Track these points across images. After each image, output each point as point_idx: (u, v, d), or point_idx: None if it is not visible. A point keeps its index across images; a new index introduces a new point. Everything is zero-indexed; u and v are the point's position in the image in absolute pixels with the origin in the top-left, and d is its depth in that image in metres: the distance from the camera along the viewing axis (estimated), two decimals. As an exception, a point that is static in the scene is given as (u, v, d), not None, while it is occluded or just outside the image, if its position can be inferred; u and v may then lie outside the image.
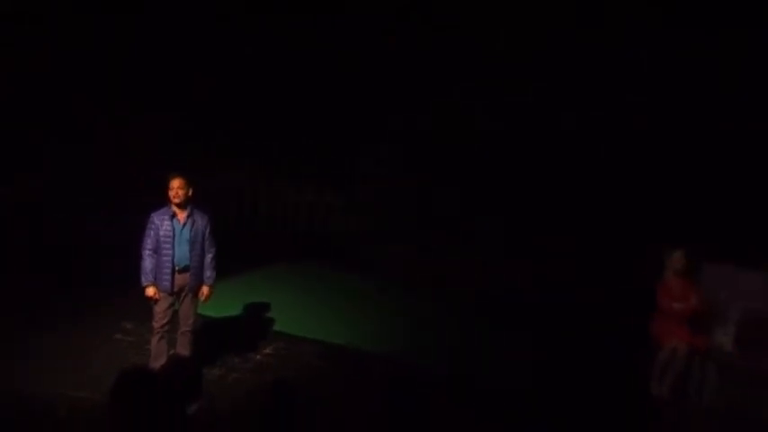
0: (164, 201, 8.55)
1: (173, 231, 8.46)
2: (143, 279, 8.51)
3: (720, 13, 12.97)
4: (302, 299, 12.55)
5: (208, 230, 8.71)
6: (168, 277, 8.49)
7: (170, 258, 8.46)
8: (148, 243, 8.48)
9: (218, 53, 16.32)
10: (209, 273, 8.80)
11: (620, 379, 10.07)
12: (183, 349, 8.82)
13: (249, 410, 7.92)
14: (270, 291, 12.58)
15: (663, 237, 11.12)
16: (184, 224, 8.51)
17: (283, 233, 16.24)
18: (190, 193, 8.51)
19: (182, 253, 8.52)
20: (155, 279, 8.49)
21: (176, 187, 8.41)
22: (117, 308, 10.77)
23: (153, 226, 8.47)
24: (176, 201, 8.43)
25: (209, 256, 8.77)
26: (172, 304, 8.65)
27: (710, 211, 12.71)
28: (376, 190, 15.55)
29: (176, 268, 8.52)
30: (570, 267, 13.54)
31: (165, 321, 8.65)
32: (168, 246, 8.45)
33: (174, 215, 8.48)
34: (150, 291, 8.51)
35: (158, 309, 8.61)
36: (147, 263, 8.49)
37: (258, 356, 9.90)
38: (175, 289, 8.58)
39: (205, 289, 8.80)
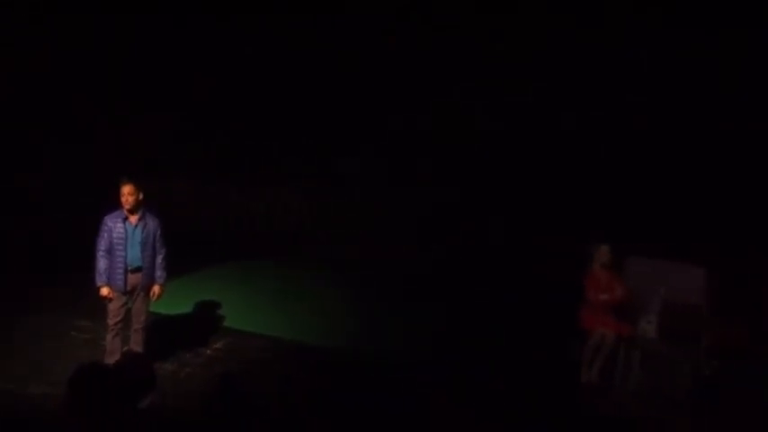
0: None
1: (125, 233, 8.80)
2: (97, 279, 8.86)
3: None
4: (252, 296, 12.82)
5: (159, 233, 9.05)
6: (121, 277, 8.84)
7: (123, 259, 8.81)
8: (102, 245, 8.82)
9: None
10: (159, 272, 9.14)
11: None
12: (137, 345, 9.15)
13: (200, 403, 8.12)
14: (221, 289, 12.90)
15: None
16: (136, 226, 8.85)
17: (239, 233, 16.52)
18: (140, 198, 8.82)
19: (134, 254, 8.86)
20: (108, 279, 8.84)
21: (126, 193, 8.75)
22: (73, 306, 11.12)
23: (106, 228, 8.82)
24: (127, 207, 8.77)
25: (159, 257, 9.10)
26: (125, 303, 8.96)
27: (632, 210, 13.02)
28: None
29: (129, 268, 8.86)
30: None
31: (118, 319, 8.98)
32: (121, 247, 8.79)
33: (126, 218, 8.81)
34: (104, 291, 8.86)
35: (112, 307, 8.94)
36: (101, 264, 8.84)
37: (209, 351, 10.20)
38: (128, 288, 8.91)
39: (156, 288, 9.15)
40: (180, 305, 11.60)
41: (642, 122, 13.97)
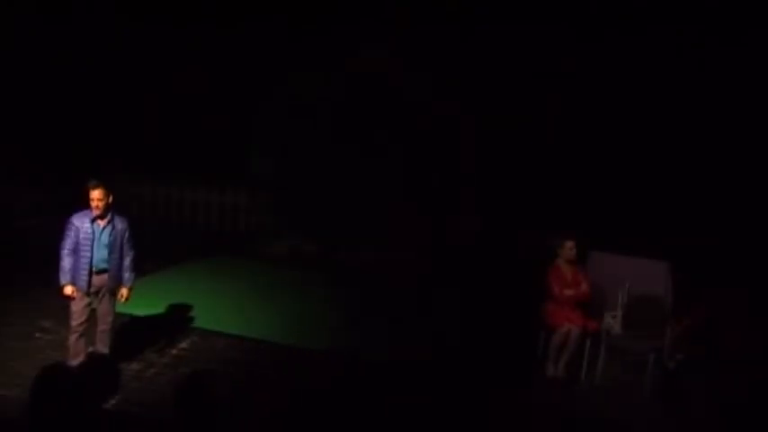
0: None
1: (92, 235, 8.62)
2: (61, 278, 8.69)
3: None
4: (215, 294, 12.73)
5: (127, 234, 8.86)
6: (85, 278, 8.67)
7: (88, 260, 8.64)
8: (67, 244, 8.65)
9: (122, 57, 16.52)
10: (127, 275, 8.97)
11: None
12: (102, 346, 8.99)
13: (166, 403, 8.12)
14: (184, 288, 12.85)
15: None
16: (104, 229, 8.66)
17: (195, 232, 16.54)
18: (110, 200, 8.63)
19: (100, 256, 8.70)
20: (72, 279, 8.69)
21: (96, 198, 8.52)
22: (36, 306, 10.99)
23: (72, 227, 8.62)
24: (97, 212, 8.57)
25: (127, 259, 8.92)
26: (89, 303, 8.81)
27: (596, 202, 13.23)
28: (277, 189, 15.70)
29: (94, 270, 8.70)
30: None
31: (82, 320, 8.82)
32: (87, 248, 8.62)
33: (94, 219, 8.62)
34: (67, 290, 8.71)
35: (75, 308, 8.78)
36: (66, 263, 8.67)
37: (175, 351, 10.15)
38: (92, 289, 8.76)
39: (124, 291, 8.99)
40: (144, 305, 11.44)
41: (611, 117, 14.11)
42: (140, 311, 11.28)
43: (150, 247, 12.17)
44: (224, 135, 16.02)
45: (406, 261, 14.19)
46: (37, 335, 10.33)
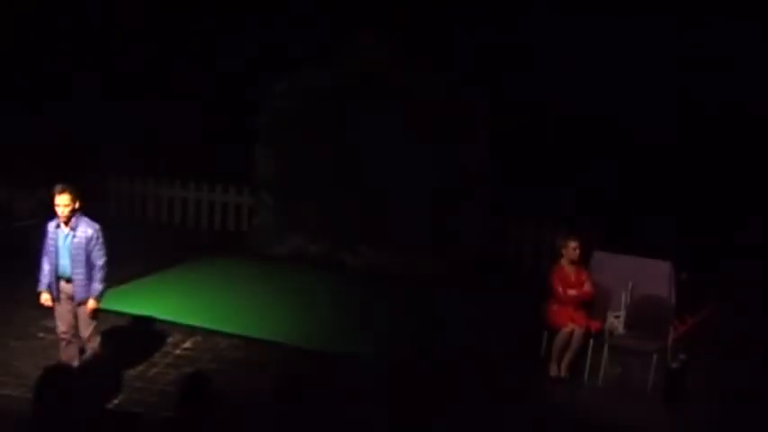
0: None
1: (56, 241, 8.41)
2: (38, 285, 8.57)
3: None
4: (217, 294, 12.65)
5: (93, 243, 8.45)
6: (54, 284, 8.50)
7: (53, 267, 8.43)
8: (45, 250, 8.52)
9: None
10: (95, 285, 8.51)
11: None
12: (98, 348, 8.69)
13: (169, 403, 7.93)
14: (186, 288, 12.81)
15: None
16: (67, 235, 8.39)
17: (196, 232, 16.57)
18: (76, 206, 8.35)
19: (64, 264, 8.43)
20: (48, 286, 8.54)
21: (62, 205, 8.26)
22: (38, 306, 10.83)
23: (47, 233, 8.48)
24: (63, 219, 8.33)
25: (95, 269, 8.50)
26: (70, 310, 8.57)
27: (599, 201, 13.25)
28: (279, 189, 15.64)
29: (62, 277, 8.49)
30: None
31: (65, 327, 8.60)
32: (53, 254, 8.42)
33: (59, 225, 8.40)
34: (42, 297, 8.59)
35: (55, 314, 8.64)
36: (43, 269, 8.53)
37: (177, 351, 10.11)
38: (62, 296, 8.54)
39: (90, 302, 8.54)
40: (146, 305, 11.44)
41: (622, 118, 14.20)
42: (142, 311, 11.24)
43: (151, 248, 12.18)
44: (225, 135, 15.98)
45: (407, 261, 14.15)
46: (40, 335, 10.24)
